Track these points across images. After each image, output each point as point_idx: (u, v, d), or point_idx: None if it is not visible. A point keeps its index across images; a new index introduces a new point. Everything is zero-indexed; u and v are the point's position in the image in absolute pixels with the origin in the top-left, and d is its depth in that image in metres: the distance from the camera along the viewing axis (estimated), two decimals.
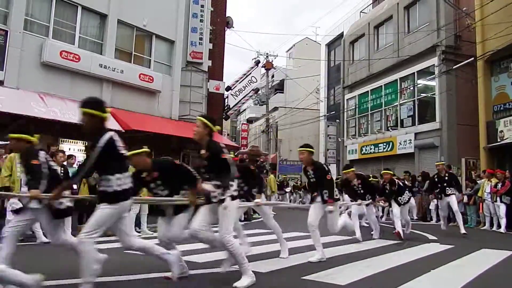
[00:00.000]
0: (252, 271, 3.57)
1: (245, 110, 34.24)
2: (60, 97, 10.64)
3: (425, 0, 16.36)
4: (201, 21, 14.70)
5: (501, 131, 12.96)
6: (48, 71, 10.57)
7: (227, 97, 17.57)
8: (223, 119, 17.94)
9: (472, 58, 13.39)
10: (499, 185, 9.51)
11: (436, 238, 7.27)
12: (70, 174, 7.32)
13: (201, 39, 14.66)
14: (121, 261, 4.47)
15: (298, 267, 4.46)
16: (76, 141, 11.01)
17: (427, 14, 16.15)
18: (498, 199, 9.45)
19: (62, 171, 6.77)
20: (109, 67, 11.71)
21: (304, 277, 3.98)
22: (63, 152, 7.53)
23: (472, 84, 13.89)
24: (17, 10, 10.03)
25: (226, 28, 17.10)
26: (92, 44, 11.83)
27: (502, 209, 9.38)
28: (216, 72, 16.02)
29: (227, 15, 17.17)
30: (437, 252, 5.75)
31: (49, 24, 10.80)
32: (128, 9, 12.37)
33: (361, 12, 23.70)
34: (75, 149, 10.83)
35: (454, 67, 14.11)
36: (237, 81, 18.13)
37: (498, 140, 12.95)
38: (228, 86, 17.40)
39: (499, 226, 9.64)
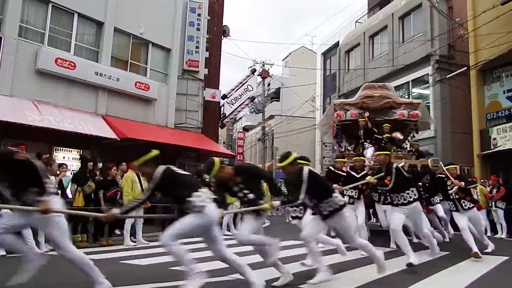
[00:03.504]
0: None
1: (241, 118, 34.27)
2: (55, 105, 10.56)
3: (419, 10, 16.60)
4: (198, 29, 14.76)
5: (494, 139, 13.13)
6: (43, 78, 10.51)
7: (223, 105, 17.58)
8: (219, 127, 17.92)
9: (465, 68, 13.63)
10: (494, 191, 9.68)
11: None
12: (64, 184, 7.26)
13: (197, 47, 14.70)
14: (115, 271, 4.40)
15: (294, 276, 4.40)
16: (70, 149, 10.91)
17: (421, 25, 16.37)
18: (493, 204, 9.64)
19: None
20: (105, 75, 11.67)
21: (300, 286, 3.94)
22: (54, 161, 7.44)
23: (465, 93, 14.08)
24: (12, 17, 9.97)
25: (222, 37, 17.19)
26: (88, 51, 11.81)
27: (500, 214, 9.55)
28: (212, 80, 16.06)
29: (223, 24, 17.28)
30: (433, 259, 5.75)
31: (44, 31, 10.76)
32: (125, 17, 12.39)
33: (356, 22, 23.98)
34: (69, 157, 10.73)
35: (447, 76, 14.32)
36: (233, 89, 18.16)
37: (492, 147, 13.12)
38: (224, 94, 17.43)
39: (492, 231, 9.73)
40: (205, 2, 15.20)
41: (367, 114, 8.85)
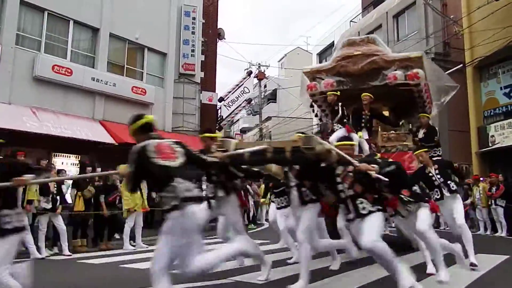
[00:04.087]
0: (247, 282, 3.53)
1: (238, 120, 34.30)
2: (52, 111, 10.60)
3: (413, 8, 16.67)
4: (193, 33, 14.82)
5: (492, 136, 13.13)
6: (40, 85, 10.55)
7: (220, 108, 17.61)
8: (217, 130, 17.94)
9: (461, 65, 13.62)
10: (494, 189, 9.55)
11: None
12: (64, 189, 7.29)
13: (193, 51, 14.75)
14: (115, 275, 4.43)
15: (294, 278, 4.42)
16: (69, 155, 10.94)
17: (415, 23, 16.44)
18: (493, 202, 9.49)
19: (55, 186, 6.74)
20: (101, 80, 11.71)
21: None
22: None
23: (462, 90, 14.09)
24: (9, 25, 10.04)
25: (217, 39, 17.25)
26: (84, 57, 11.85)
27: (499, 212, 9.40)
28: (208, 83, 16.10)
29: (218, 27, 17.34)
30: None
31: (41, 38, 10.82)
32: (120, 22, 12.44)
33: (351, 21, 24.08)
34: (68, 163, 10.75)
35: None
36: (230, 92, 18.21)
37: (490, 145, 13.12)
38: (221, 97, 17.47)
39: (493, 230, 9.68)
40: (199, 6, 15.27)
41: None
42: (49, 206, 6.48)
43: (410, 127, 6.73)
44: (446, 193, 4.90)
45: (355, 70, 6.54)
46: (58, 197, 6.70)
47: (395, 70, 6.36)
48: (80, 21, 11.63)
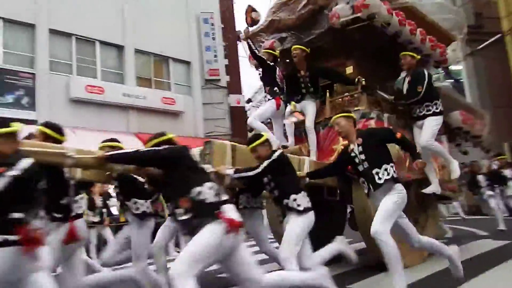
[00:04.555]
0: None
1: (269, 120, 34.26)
2: (90, 129, 11.03)
3: None
4: (213, 39, 14.96)
5: None
6: (76, 106, 11.06)
7: (249, 109, 17.64)
8: (248, 132, 17.98)
9: (499, 35, 12.68)
10: None
11: (488, 234, 6.23)
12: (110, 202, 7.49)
13: (215, 56, 14.89)
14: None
15: (334, 278, 3.94)
16: None
17: None
18: None
19: (100, 200, 6.96)
20: (132, 95, 12.09)
21: None
22: None
23: (503, 62, 13.07)
24: (42, 54, 10.66)
25: (238, 42, 17.31)
26: (114, 75, 12.29)
27: None
28: (234, 86, 16.18)
29: (237, 29, 17.39)
30: (490, 250, 4.86)
31: (71, 62, 11.34)
32: (143, 37, 12.78)
33: None
34: None
35: (479, 47, 13.48)
36: (257, 92, 18.21)
37: None
38: (249, 98, 17.53)
39: None
40: (216, 12, 15.41)
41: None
42: (97, 219, 6.70)
43: (364, 83, 4.36)
44: (378, 182, 2.95)
45: (293, 20, 4.81)
46: (104, 210, 6.91)
47: (336, 4, 4.43)
48: (105, 41, 12.10)
